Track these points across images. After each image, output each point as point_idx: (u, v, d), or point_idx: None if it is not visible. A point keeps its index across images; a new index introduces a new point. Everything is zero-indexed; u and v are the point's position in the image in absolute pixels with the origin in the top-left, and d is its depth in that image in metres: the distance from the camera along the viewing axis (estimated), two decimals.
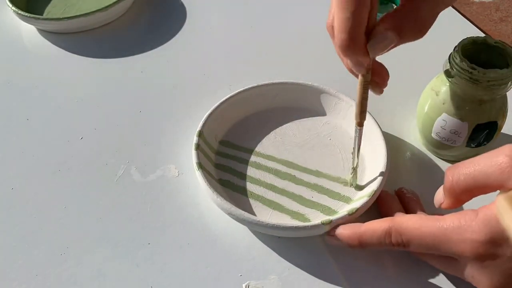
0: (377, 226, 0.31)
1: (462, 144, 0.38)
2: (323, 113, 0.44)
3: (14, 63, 0.53)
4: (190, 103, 0.47)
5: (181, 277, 0.34)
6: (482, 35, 0.55)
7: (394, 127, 0.44)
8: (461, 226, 0.27)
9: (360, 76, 0.33)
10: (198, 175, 0.36)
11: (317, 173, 0.39)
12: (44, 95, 0.49)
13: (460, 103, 0.36)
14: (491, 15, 0.61)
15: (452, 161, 0.41)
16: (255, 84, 0.43)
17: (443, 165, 0.41)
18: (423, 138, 0.41)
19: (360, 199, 0.35)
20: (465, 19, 0.58)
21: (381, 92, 0.36)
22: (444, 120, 0.37)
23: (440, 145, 0.39)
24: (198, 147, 0.38)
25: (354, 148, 0.36)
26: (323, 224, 0.33)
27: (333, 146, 0.41)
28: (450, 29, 0.56)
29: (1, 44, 0.56)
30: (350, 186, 0.38)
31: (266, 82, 0.43)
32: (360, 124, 0.35)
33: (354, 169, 0.37)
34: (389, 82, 0.49)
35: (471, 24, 0.57)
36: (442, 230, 0.28)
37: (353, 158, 0.37)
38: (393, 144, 0.42)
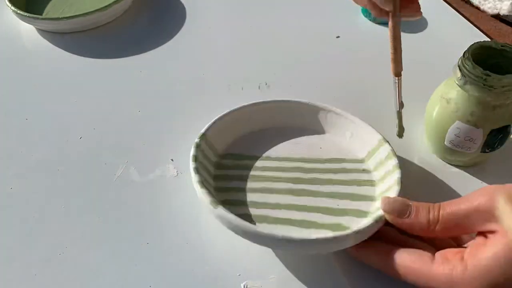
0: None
1: (477, 150, 0.38)
2: (303, 127, 0.42)
3: (13, 62, 0.53)
4: (189, 103, 0.47)
5: (180, 276, 0.34)
6: (482, 35, 0.55)
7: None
8: (453, 279, 0.27)
9: (390, 21, 0.33)
10: (201, 194, 0.34)
11: (329, 181, 0.38)
12: (43, 94, 0.49)
13: (474, 109, 0.36)
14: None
15: (462, 167, 0.41)
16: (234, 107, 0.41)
17: (451, 170, 0.41)
18: (433, 146, 0.41)
19: (388, 190, 0.35)
20: (464, 19, 0.58)
21: (418, 15, 0.35)
22: (458, 128, 0.37)
23: (454, 153, 0.39)
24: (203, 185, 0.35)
25: (396, 102, 0.37)
26: (376, 221, 0.32)
27: (327, 152, 0.40)
28: (450, 29, 0.56)
29: (0, 43, 0.56)
30: (399, 135, 0.39)
31: (244, 104, 0.41)
32: (397, 74, 0.36)
33: (399, 112, 0.38)
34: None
35: (471, 24, 0.57)
36: (432, 275, 0.28)
37: (397, 110, 0.38)
38: (402, 151, 0.42)
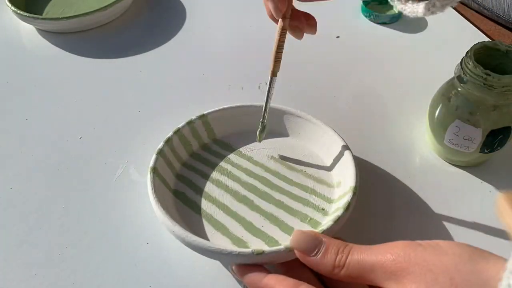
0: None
1: (475, 150, 0.37)
2: (286, 134, 0.41)
3: (13, 62, 0.53)
4: (188, 103, 0.47)
5: (180, 276, 0.34)
6: (483, 35, 0.55)
7: (403, 132, 0.44)
8: None
9: (278, 23, 0.34)
10: (148, 179, 0.34)
11: (278, 204, 0.36)
12: (43, 94, 0.49)
13: (474, 109, 0.36)
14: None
15: (463, 167, 0.41)
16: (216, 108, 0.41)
17: (452, 170, 0.41)
18: (434, 145, 0.41)
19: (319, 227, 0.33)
20: (464, 19, 0.58)
21: (300, 37, 0.36)
22: (457, 127, 0.37)
23: (453, 152, 0.39)
24: (160, 152, 0.36)
25: (265, 99, 0.36)
26: (253, 254, 0.29)
27: (303, 176, 0.38)
28: (451, 29, 0.56)
29: (0, 43, 0.56)
30: (258, 141, 0.39)
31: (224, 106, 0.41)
32: (273, 73, 0.35)
33: (263, 124, 0.37)
34: (398, 87, 0.49)
35: (471, 24, 0.57)
36: None
37: (264, 111, 0.36)
38: (403, 149, 0.42)
